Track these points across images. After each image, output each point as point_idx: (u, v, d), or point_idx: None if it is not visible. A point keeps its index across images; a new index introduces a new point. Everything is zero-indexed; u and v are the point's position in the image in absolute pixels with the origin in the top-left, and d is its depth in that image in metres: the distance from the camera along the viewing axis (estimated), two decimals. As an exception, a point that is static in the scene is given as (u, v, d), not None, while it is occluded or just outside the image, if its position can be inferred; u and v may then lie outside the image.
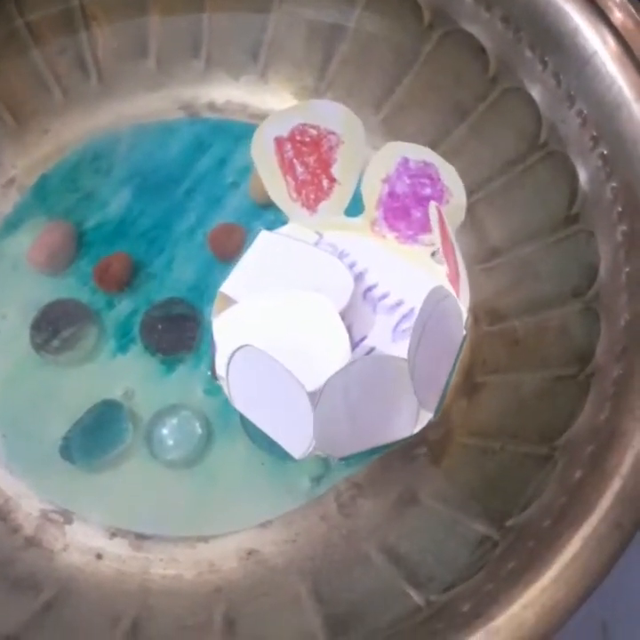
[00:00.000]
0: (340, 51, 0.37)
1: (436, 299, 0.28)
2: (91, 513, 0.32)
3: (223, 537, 0.31)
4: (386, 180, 0.33)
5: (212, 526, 0.32)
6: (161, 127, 0.38)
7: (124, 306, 0.35)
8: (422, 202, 0.33)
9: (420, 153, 0.32)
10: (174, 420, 0.33)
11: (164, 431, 0.33)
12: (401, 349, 0.31)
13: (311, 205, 0.34)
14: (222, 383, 0.30)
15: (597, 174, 0.31)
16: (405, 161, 0.33)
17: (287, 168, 0.34)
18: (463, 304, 0.30)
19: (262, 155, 0.34)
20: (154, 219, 0.37)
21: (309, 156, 0.34)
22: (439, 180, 0.32)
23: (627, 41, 0.30)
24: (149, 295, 0.35)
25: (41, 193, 0.37)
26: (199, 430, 0.33)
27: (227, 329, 0.31)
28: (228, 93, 0.39)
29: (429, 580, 0.26)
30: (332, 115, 0.33)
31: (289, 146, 0.33)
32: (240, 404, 0.30)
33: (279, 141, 0.33)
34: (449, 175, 0.32)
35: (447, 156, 0.33)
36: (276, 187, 0.34)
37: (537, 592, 0.23)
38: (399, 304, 0.32)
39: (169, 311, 0.35)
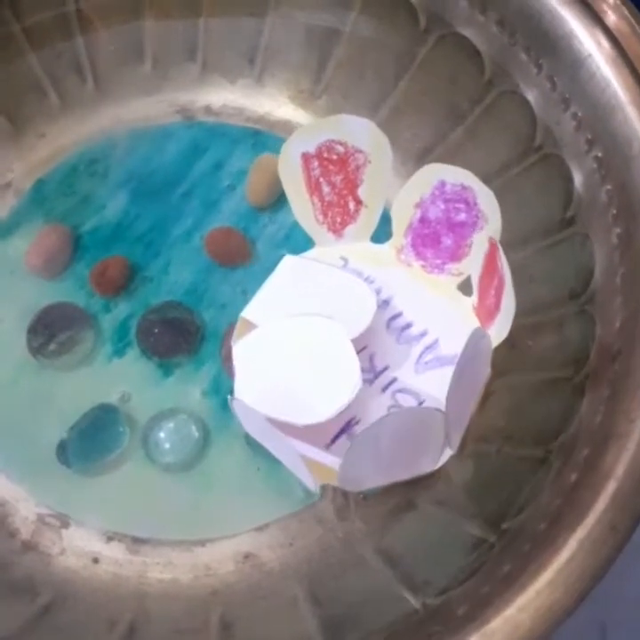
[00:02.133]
0: (335, 54, 0.37)
1: (477, 340, 0.27)
2: (87, 517, 0.32)
3: (219, 541, 0.31)
4: (419, 205, 0.33)
5: (208, 530, 0.32)
6: (157, 131, 0.38)
7: (120, 309, 0.35)
8: (455, 228, 0.33)
9: (458, 176, 0.32)
10: (171, 424, 0.33)
11: (161, 435, 0.33)
12: (422, 382, 0.31)
13: (337, 229, 0.34)
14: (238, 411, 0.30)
15: (592, 177, 0.31)
16: (442, 184, 0.32)
17: (314, 188, 0.34)
18: (496, 341, 0.30)
19: (289, 172, 0.34)
20: (150, 222, 0.37)
21: (336, 175, 0.33)
22: (475, 204, 0.32)
23: (621, 44, 0.30)
24: (146, 299, 0.35)
25: (37, 197, 0.37)
26: (196, 434, 0.33)
27: (246, 354, 0.31)
28: (224, 97, 0.39)
29: (425, 583, 0.26)
30: (360, 131, 0.33)
31: (316, 163, 0.33)
32: (256, 436, 0.30)
33: (306, 158, 0.33)
34: (486, 200, 0.32)
35: (443, 160, 0.33)
36: (303, 208, 0.34)
37: (532, 595, 0.23)
38: (423, 334, 0.32)
39: (165, 315, 0.35)
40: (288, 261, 0.33)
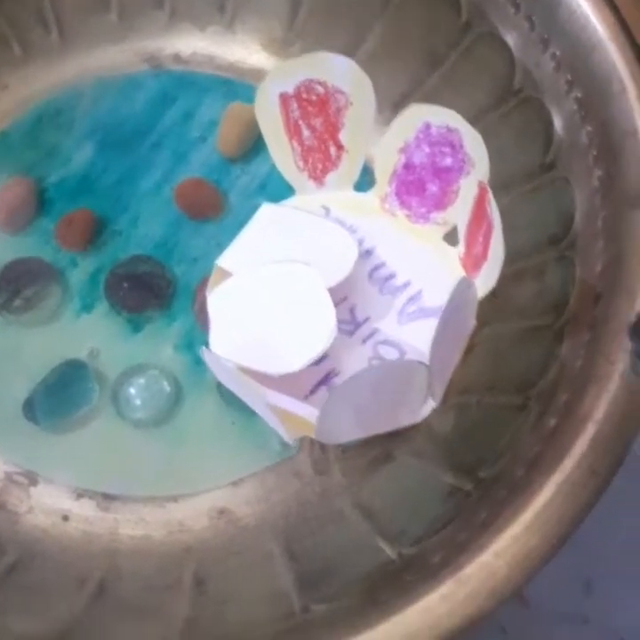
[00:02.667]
0: (308, 0, 0.36)
1: (462, 290, 0.26)
2: (56, 474, 0.31)
3: (193, 496, 0.30)
4: (403, 150, 0.32)
5: (181, 486, 0.31)
6: (125, 81, 0.37)
7: (88, 264, 0.34)
8: (440, 174, 0.31)
9: (443, 117, 0.31)
10: (141, 380, 0.32)
11: (131, 390, 0.32)
12: (405, 333, 0.31)
13: (318, 177, 0.33)
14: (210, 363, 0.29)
15: (572, 119, 0.30)
16: (427, 127, 0.31)
17: (293, 131, 0.33)
18: (482, 292, 0.29)
19: (266, 114, 0.32)
20: (118, 174, 0.35)
21: (316, 117, 0.32)
22: (461, 147, 0.31)
23: (601, -20, 0.29)
24: (115, 253, 0.34)
25: (1, 149, 0.36)
26: (167, 389, 0.32)
27: (221, 303, 0.30)
28: (193, 45, 0.38)
29: (402, 533, 0.26)
30: (340, 71, 0.31)
31: (295, 105, 0.32)
32: (230, 386, 0.29)
33: (284, 98, 0.32)
34: (473, 142, 0.30)
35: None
36: (282, 153, 0.33)
37: (508, 540, 0.22)
38: (406, 285, 0.31)
39: (135, 269, 0.34)
40: (266, 209, 0.32)
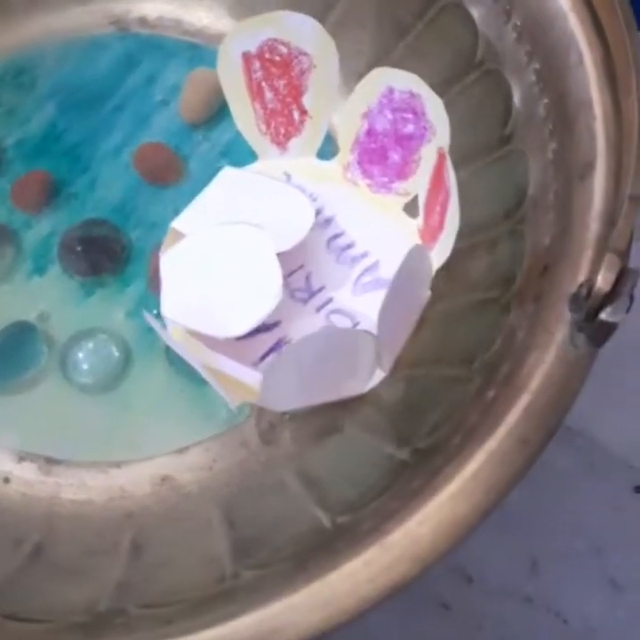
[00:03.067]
0: (276, -33, 0.35)
1: (414, 259, 0.26)
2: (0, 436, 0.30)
3: (137, 463, 0.30)
4: (366, 115, 0.31)
5: (125, 452, 0.31)
6: (89, 42, 0.37)
7: (43, 226, 0.34)
8: (402, 141, 0.31)
9: (406, 81, 0.30)
10: (90, 344, 0.32)
11: (80, 355, 0.31)
12: (359, 303, 0.30)
13: (281, 141, 0.33)
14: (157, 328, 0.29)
15: (531, 91, 0.30)
16: (390, 91, 0.31)
17: (255, 93, 0.32)
18: (437, 262, 0.28)
19: (229, 74, 0.32)
20: (78, 136, 0.35)
21: (279, 79, 0.32)
22: (423, 114, 0.30)
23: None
24: (70, 216, 0.34)
25: (-41, 108, 0.35)
26: (116, 354, 0.31)
27: (173, 266, 0.29)
28: (160, 8, 0.37)
29: (338, 502, 0.26)
30: (304, 31, 0.31)
31: (258, 65, 0.31)
32: (178, 350, 0.29)
33: (247, 58, 0.31)
34: (435, 109, 0.30)
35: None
36: (244, 116, 0.33)
37: (434, 507, 0.22)
38: (364, 256, 0.31)
39: (90, 232, 0.33)
40: (226, 173, 0.31)
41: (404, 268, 0.26)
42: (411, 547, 0.21)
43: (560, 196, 0.27)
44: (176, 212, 0.33)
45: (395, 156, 0.31)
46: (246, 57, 0.31)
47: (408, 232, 0.31)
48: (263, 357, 0.30)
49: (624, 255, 0.22)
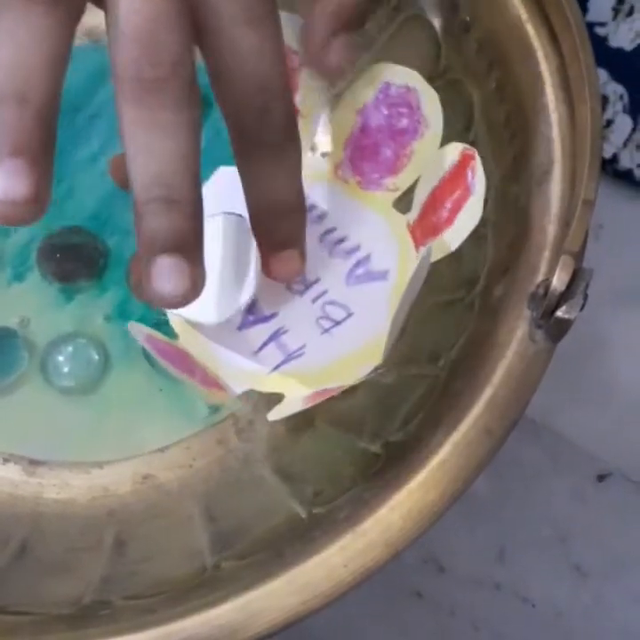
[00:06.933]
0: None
1: (426, 259, 0.27)
2: (-17, 439, 0.31)
3: (118, 462, 0.31)
4: (361, 112, 0.32)
5: (107, 452, 0.31)
6: (63, 54, 0.37)
7: (21, 234, 0.34)
8: (396, 136, 0.32)
9: (404, 76, 0.31)
10: (70, 348, 0.32)
11: (60, 358, 0.32)
12: (352, 295, 0.31)
13: None
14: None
15: (491, 99, 0.31)
16: (387, 87, 0.31)
17: None
18: (438, 255, 0.29)
19: None
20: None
21: None
22: (418, 108, 0.31)
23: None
24: (48, 223, 0.35)
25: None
26: (95, 357, 0.32)
27: None
28: (132, 21, 0.38)
29: (315, 494, 0.27)
30: (294, 30, 0.30)
31: None
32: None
33: None
34: (430, 103, 0.31)
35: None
36: None
37: (404, 495, 0.23)
38: (356, 249, 0.32)
39: (68, 240, 0.34)
40: (221, 172, 0.32)
41: (417, 271, 0.27)
42: (383, 533, 0.23)
43: (520, 200, 0.28)
44: (151, 219, 0.34)
45: (387, 152, 0.32)
46: None
47: (397, 227, 0.32)
48: (261, 347, 0.31)
49: (578, 256, 0.24)
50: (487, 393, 0.24)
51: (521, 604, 0.35)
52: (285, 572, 0.23)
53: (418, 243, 0.31)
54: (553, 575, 0.36)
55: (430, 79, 0.34)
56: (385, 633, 0.34)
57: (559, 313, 0.23)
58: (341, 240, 0.32)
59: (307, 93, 0.32)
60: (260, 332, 0.30)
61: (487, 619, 0.35)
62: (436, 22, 0.33)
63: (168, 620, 0.23)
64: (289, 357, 0.30)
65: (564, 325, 0.23)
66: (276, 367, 0.30)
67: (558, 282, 0.23)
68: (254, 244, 0.28)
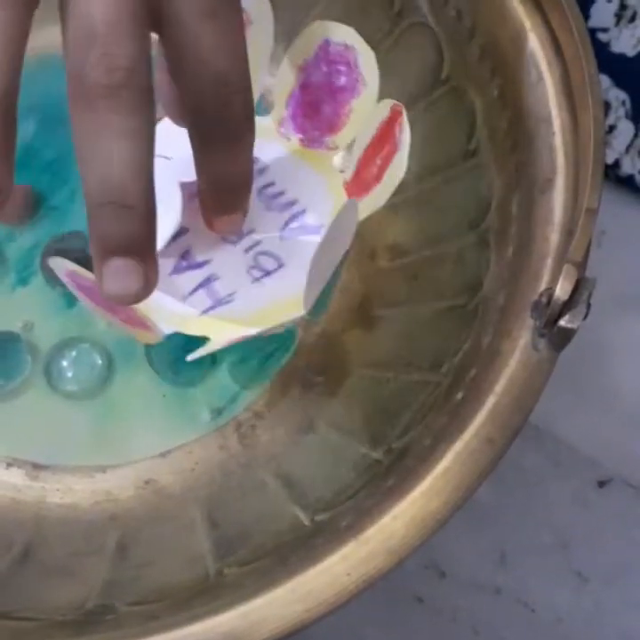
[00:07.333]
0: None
1: (345, 214, 0.27)
2: (-14, 443, 0.31)
3: (121, 467, 0.31)
4: (302, 69, 0.32)
5: (110, 457, 0.32)
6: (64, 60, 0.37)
7: (25, 238, 0.35)
8: (335, 94, 0.32)
9: (343, 34, 0.31)
10: (73, 352, 0.33)
11: (63, 363, 0.32)
12: (285, 247, 0.32)
13: None
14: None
15: (493, 107, 0.31)
16: (326, 44, 0.31)
17: None
18: (367, 211, 0.30)
19: None
20: (57, 151, 0.36)
21: None
22: (356, 66, 0.31)
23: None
24: (51, 228, 0.35)
25: (-59, 124, 0.36)
26: (99, 362, 0.33)
27: None
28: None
29: (317, 500, 0.27)
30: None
31: None
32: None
33: None
34: (367, 61, 0.31)
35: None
36: None
37: (407, 504, 0.23)
38: (292, 203, 0.32)
39: (71, 244, 0.34)
40: (165, 123, 0.32)
41: (336, 222, 0.27)
42: (385, 541, 0.23)
43: (523, 208, 0.29)
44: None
45: (327, 109, 0.32)
46: None
47: (334, 184, 0.32)
48: (192, 292, 0.31)
49: (581, 265, 0.24)
50: (489, 402, 0.24)
51: (522, 609, 0.35)
52: (289, 579, 0.23)
53: (357, 196, 0.31)
54: (554, 580, 0.36)
55: (432, 85, 0.34)
56: (386, 638, 0.34)
57: (562, 322, 0.23)
58: (279, 194, 0.33)
59: (250, 53, 0.32)
60: (192, 277, 0.31)
61: (488, 623, 0.35)
62: (439, 30, 0.33)
63: (172, 626, 0.23)
64: (217, 303, 0.31)
65: (567, 334, 0.23)
66: (205, 311, 0.30)
67: (561, 291, 0.23)
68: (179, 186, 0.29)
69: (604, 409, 0.39)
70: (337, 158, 0.33)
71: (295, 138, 0.33)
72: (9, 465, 0.31)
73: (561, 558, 0.37)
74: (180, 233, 0.31)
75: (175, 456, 0.32)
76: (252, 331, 0.29)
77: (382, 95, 0.34)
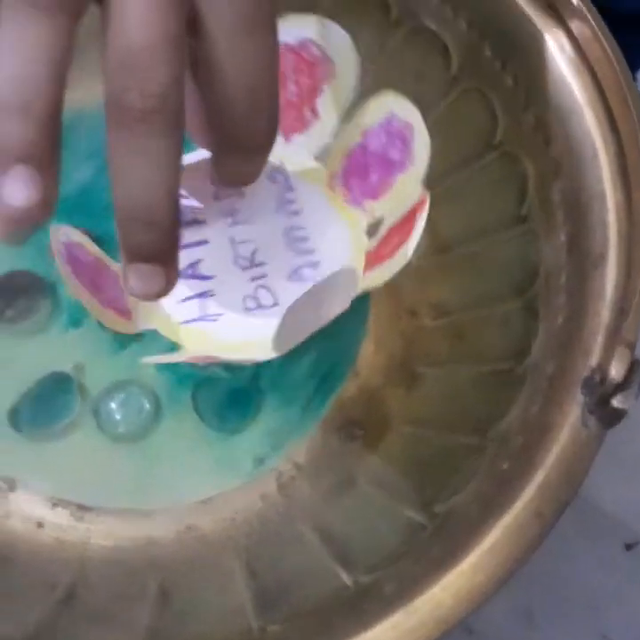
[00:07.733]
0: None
1: (342, 277, 0.29)
2: (34, 482, 0.32)
3: (164, 511, 0.32)
4: (365, 132, 0.33)
5: (154, 501, 0.32)
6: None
7: (79, 280, 0.35)
8: (385, 165, 0.33)
9: (407, 112, 0.32)
10: (122, 395, 0.33)
11: (112, 405, 0.33)
12: (289, 289, 0.32)
13: (286, 131, 0.34)
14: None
15: (547, 176, 0.32)
16: (391, 116, 0.33)
17: (281, 82, 0.33)
18: (367, 285, 0.31)
19: None
20: (114, 195, 0.37)
21: (302, 76, 0.33)
22: (411, 145, 0.32)
23: (582, 47, 0.31)
24: (106, 271, 0.35)
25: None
26: (147, 406, 0.33)
27: None
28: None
29: (358, 560, 0.27)
30: (337, 42, 0.32)
31: (292, 57, 0.33)
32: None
33: (287, 48, 0.33)
34: (421, 143, 0.32)
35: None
36: None
37: (455, 576, 0.23)
38: (311, 252, 0.33)
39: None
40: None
41: (329, 279, 0.28)
42: (433, 611, 0.23)
43: (572, 280, 0.29)
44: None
45: (374, 176, 0.33)
46: (286, 47, 0.33)
47: (357, 248, 0.33)
48: (185, 300, 0.32)
49: (633, 347, 0.24)
50: (539, 475, 0.25)
51: (552, 669, 0.35)
52: (336, 644, 0.23)
53: (364, 270, 0.32)
54: (581, 642, 0.36)
55: (485, 149, 0.35)
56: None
57: (614, 402, 0.24)
58: (303, 239, 0.33)
59: (329, 102, 0.33)
60: (191, 286, 0.32)
61: (515, 684, 0.35)
62: (495, 97, 0.34)
63: (217, 682, 0.23)
64: (202, 317, 0.32)
65: (619, 414, 0.24)
66: (188, 321, 0.32)
67: (615, 373, 0.23)
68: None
69: (632, 472, 0.39)
70: (363, 223, 0.34)
71: (340, 192, 0.34)
72: (54, 505, 0.32)
73: (588, 620, 0.37)
74: (200, 242, 0.32)
75: (216, 503, 0.32)
76: (223, 356, 0.31)
77: (433, 155, 0.34)
